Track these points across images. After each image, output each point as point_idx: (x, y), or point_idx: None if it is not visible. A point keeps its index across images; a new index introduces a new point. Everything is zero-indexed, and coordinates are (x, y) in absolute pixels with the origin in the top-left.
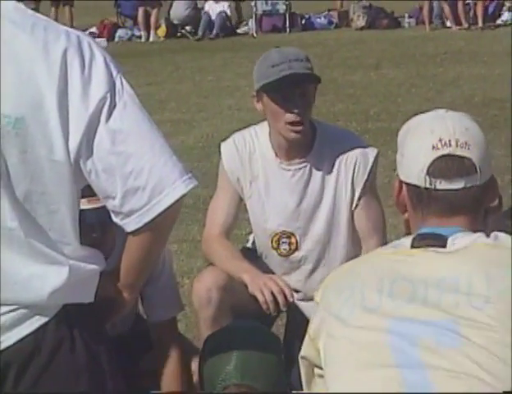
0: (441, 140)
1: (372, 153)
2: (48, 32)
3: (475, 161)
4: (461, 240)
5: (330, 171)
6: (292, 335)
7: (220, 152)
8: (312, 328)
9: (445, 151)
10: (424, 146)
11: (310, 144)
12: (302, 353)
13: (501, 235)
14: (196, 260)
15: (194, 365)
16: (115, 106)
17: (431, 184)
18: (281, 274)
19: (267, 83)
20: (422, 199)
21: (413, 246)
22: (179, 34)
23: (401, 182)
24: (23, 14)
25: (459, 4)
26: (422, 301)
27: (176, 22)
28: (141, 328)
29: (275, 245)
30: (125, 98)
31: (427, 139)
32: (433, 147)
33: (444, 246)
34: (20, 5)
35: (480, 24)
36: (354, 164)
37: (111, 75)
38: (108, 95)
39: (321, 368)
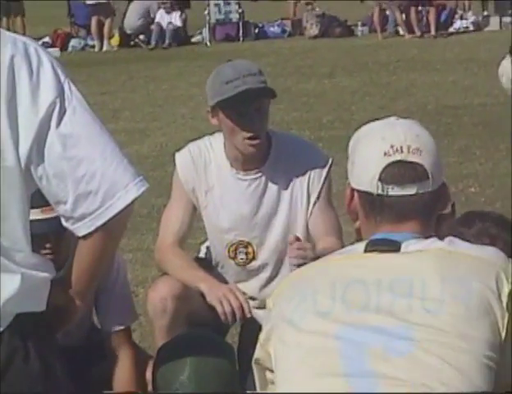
0: (392, 147)
1: (326, 162)
2: None
3: (427, 167)
4: (415, 246)
5: (285, 181)
6: (247, 343)
7: (174, 162)
8: (263, 333)
9: (397, 157)
10: (376, 153)
11: (265, 155)
12: (255, 356)
13: (456, 240)
14: (151, 269)
15: (149, 374)
16: (65, 111)
17: (383, 190)
18: (237, 282)
19: (221, 100)
20: (375, 205)
21: (366, 251)
22: (132, 43)
23: (353, 190)
24: None
25: (412, 12)
26: (375, 307)
27: (129, 32)
28: (96, 338)
29: (232, 254)
30: (74, 102)
31: (379, 146)
32: (385, 153)
33: (397, 251)
34: None
35: (433, 32)
36: (308, 174)
37: (59, 80)
38: (58, 100)
39: (272, 371)
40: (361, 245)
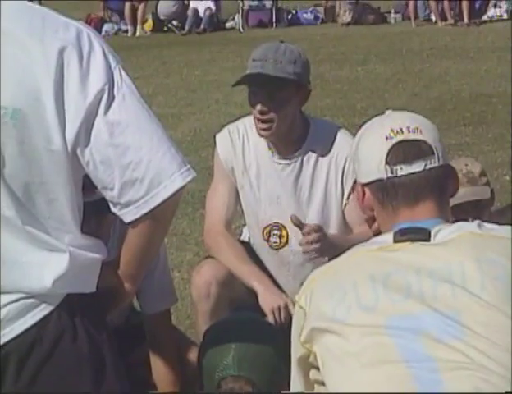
0: (392, 130)
1: None
2: (46, 24)
3: (430, 142)
4: (445, 232)
5: (320, 167)
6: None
7: (215, 144)
8: (303, 334)
9: (399, 138)
10: (377, 141)
11: (302, 140)
12: (296, 356)
13: (485, 224)
14: (186, 254)
15: (188, 357)
16: (113, 98)
17: (392, 172)
18: (270, 267)
19: (244, 75)
20: (388, 191)
21: (395, 241)
22: (165, 28)
23: (363, 186)
24: (22, 4)
25: (446, 0)
26: (418, 294)
27: (162, 17)
28: (135, 320)
29: (266, 237)
30: (123, 89)
31: (379, 133)
32: (386, 138)
33: (428, 240)
34: None
35: (466, 20)
36: (344, 162)
37: (109, 66)
38: (106, 87)
39: (317, 369)
40: (388, 236)
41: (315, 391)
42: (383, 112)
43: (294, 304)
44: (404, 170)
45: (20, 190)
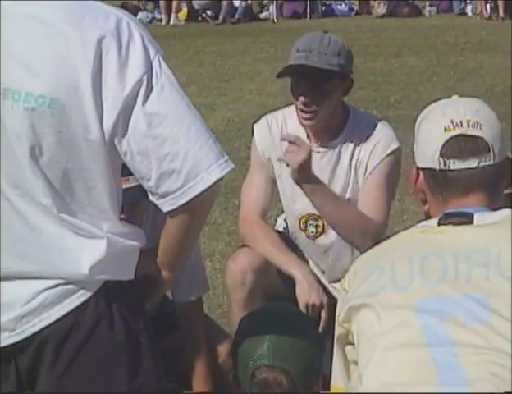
0: (452, 122)
1: (393, 144)
2: (85, 12)
3: (487, 140)
4: (488, 217)
5: (355, 157)
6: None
7: (249, 134)
8: (342, 313)
9: (457, 131)
10: (436, 129)
11: (340, 129)
12: (336, 335)
13: None
14: (218, 243)
15: (219, 346)
16: (152, 88)
17: (445, 164)
18: (308, 256)
19: (287, 65)
20: (439, 181)
21: (440, 224)
22: (199, 18)
23: (418, 169)
24: None
25: None
26: (452, 277)
27: (197, 7)
28: (167, 308)
29: (302, 226)
30: (162, 80)
31: (439, 122)
32: (445, 129)
33: (471, 223)
34: None
35: (501, 13)
36: (372, 146)
37: (148, 56)
38: (145, 77)
39: (354, 345)
40: (434, 220)
41: (351, 373)
42: (433, 101)
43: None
44: (457, 164)
45: (58, 178)
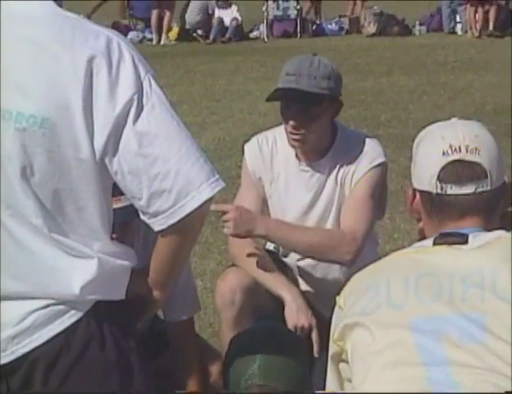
0: (451, 146)
1: (379, 158)
2: (76, 32)
3: (485, 166)
4: (482, 237)
5: (342, 174)
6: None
7: (239, 153)
8: (336, 331)
9: (456, 157)
10: (435, 153)
11: (329, 147)
12: (330, 353)
13: None
14: (209, 262)
15: (210, 366)
16: (142, 108)
17: (441, 189)
18: (298, 274)
19: (275, 88)
20: (435, 204)
21: (435, 244)
22: (190, 37)
23: (414, 190)
24: (53, 13)
25: (471, 12)
26: (447, 297)
27: (187, 26)
28: (158, 328)
29: None
30: (153, 99)
31: (438, 145)
32: (444, 153)
33: (465, 243)
34: (52, 4)
35: (491, 27)
36: (356, 164)
37: (139, 76)
38: (136, 97)
39: (348, 363)
40: (430, 240)
41: (345, 391)
42: (431, 124)
43: (316, 326)
44: (453, 190)
45: (49, 197)
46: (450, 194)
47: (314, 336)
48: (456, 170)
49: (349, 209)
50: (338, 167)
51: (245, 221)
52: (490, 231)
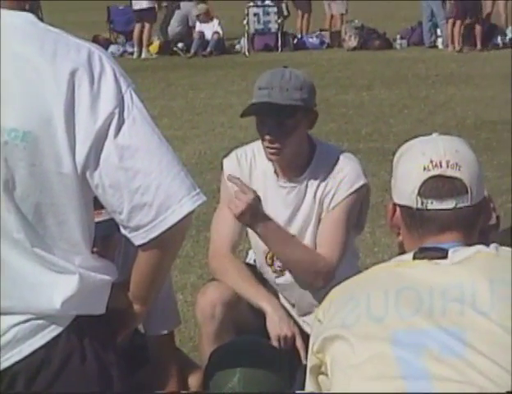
0: (432, 162)
1: (359, 181)
2: (57, 46)
3: (466, 182)
4: (462, 252)
5: (321, 192)
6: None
7: (221, 167)
8: (316, 344)
9: (436, 172)
10: (416, 168)
11: (307, 164)
12: (309, 366)
13: (502, 247)
14: (189, 276)
15: (191, 379)
16: (123, 121)
17: (422, 204)
18: (277, 289)
19: (250, 103)
20: (415, 219)
21: (414, 258)
22: (171, 51)
23: (395, 205)
24: (35, 26)
25: (457, 26)
26: (427, 311)
27: (169, 38)
28: (139, 342)
29: (269, 261)
30: (134, 113)
31: (419, 160)
32: (424, 168)
33: (445, 258)
34: (33, 18)
35: (479, 46)
36: (338, 182)
37: (120, 90)
38: (117, 111)
39: (327, 375)
40: (409, 255)
41: None
42: (414, 139)
43: (299, 333)
44: (434, 205)
45: (30, 211)
46: (430, 210)
47: (299, 343)
48: (437, 185)
49: (326, 233)
50: (317, 184)
51: (253, 213)
52: (470, 245)
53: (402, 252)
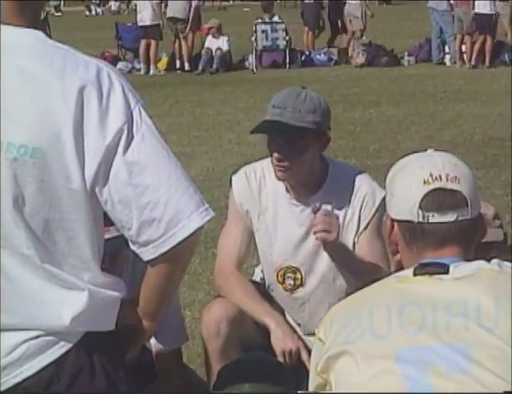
0: (431, 175)
1: (380, 194)
2: (66, 62)
3: (465, 194)
4: (464, 268)
5: (338, 210)
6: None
7: (228, 184)
8: (320, 363)
9: (437, 185)
10: (415, 182)
11: (321, 183)
12: (313, 385)
13: (505, 262)
14: (197, 292)
15: None
16: (132, 137)
17: (423, 218)
18: (285, 308)
19: (262, 121)
20: (416, 233)
21: (416, 275)
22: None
23: (392, 221)
24: (44, 43)
25: (468, 42)
26: (431, 327)
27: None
28: (146, 359)
29: (280, 279)
30: (143, 129)
31: (418, 174)
32: (424, 182)
33: (446, 273)
34: (41, 35)
35: (487, 63)
36: (361, 203)
37: (129, 106)
38: (126, 127)
39: None
40: (409, 271)
41: None
42: (416, 153)
43: (305, 347)
44: (435, 218)
45: (40, 227)
46: (431, 223)
47: (304, 356)
48: (438, 198)
49: (371, 252)
50: (333, 204)
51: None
52: (469, 260)
53: (399, 270)
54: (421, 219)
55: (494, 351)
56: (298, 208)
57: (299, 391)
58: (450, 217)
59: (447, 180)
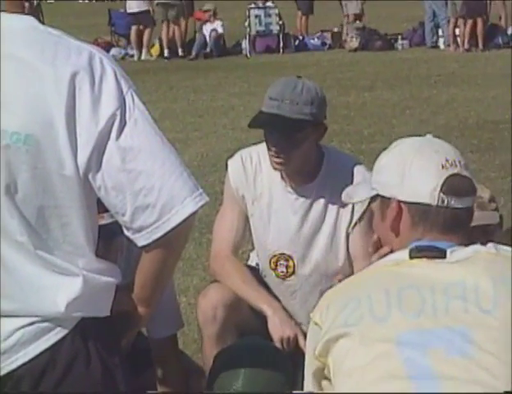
0: (447, 160)
1: None
2: (58, 48)
3: (473, 182)
4: (460, 252)
5: (333, 199)
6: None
7: (222, 168)
8: (318, 347)
9: (454, 170)
10: (433, 165)
11: (316, 171)
12: (312, 370)
13: (500, 246)
14: (192, 278)
15: (194, 382)
16: (125, 123)
17: (443, 201)
18: (278, 296)
19: (259, 111)
20: (427, 216)
21: (411, 258)
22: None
23: (400, 202)
24: (35, 30)
25: (461, 25)
26: (430, 310)
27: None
28: (142, 345)
29: (273, 266)
30: (135, 114)
31: (434, 159)
32: (442, 166)
33: (444, 257)
34: (33, 21)
35: (480, 45)
36: None
37: (121, 91)
38: (118, 112)
39: (330, 380)
40: (403, 253)
41: None
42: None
43: (302, 333)
44: (454, 203)
45: (33, 214)
46: (448, 207)
47: (302, 343)
48: (457, 183)
49: (359, 246)
50: (328, 194)
51: None
52: (466, 245)
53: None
54: (440, 203)
55: (493, 333)
56: (293, 196)
57: (294, 392)
58: (466, 203)
59: (461, 166)
